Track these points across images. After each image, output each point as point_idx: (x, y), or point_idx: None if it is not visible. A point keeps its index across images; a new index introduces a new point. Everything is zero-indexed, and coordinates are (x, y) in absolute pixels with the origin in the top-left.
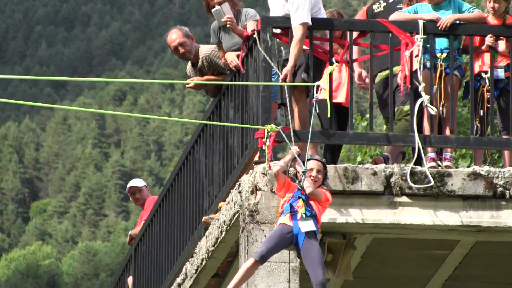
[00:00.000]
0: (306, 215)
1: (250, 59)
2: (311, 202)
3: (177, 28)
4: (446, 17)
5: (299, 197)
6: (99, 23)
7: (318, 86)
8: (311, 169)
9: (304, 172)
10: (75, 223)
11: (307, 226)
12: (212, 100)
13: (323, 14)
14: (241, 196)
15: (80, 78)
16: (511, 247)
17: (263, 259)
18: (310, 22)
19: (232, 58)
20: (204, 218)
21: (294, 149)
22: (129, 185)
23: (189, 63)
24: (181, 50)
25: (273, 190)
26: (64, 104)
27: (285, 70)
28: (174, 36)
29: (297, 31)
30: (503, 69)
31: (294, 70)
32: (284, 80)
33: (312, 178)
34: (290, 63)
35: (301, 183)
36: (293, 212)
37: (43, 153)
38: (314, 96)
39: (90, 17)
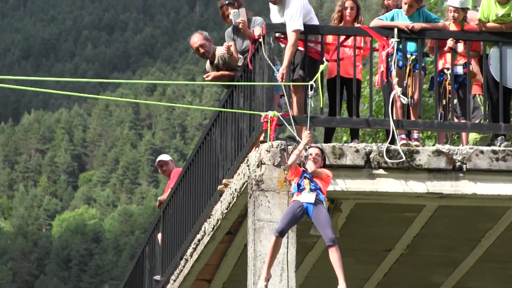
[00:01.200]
0: (311, 189)
1: (257, 57)
2: (315, 179)
3: (198, 32)
4: (417, 24)
5: (305, 177)
6: (134, 29)
7: (311, 85)
8: (311, 154)
9: (306, 157)
10: (115, 190)
11: (308, 198)
12: (226, 91)
13: (315, 21)
14: (249, 169)
15: (93, 80)
16: (467, 211)
17: (282, 234)
18: (302, 29)
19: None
20: (219, 187)
21: (307, 136)
22: (157, 159)
23: (208, 61)
24: (201, 50)
25: (275, 164)
26: (106, 94)
27: (281, 70)
28: (196, 39)
29: (290, 37)
30: (461, 66)
31: (293, 68)
32: (282, 77)
33: (312, 159)
34: (285, 63)
35: (305, 166)
36: (301, 190)
37: (89, 134)
38: (308, 93)
39: (127, 24)
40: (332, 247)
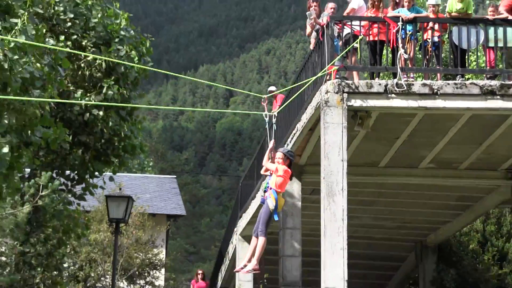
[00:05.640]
0: (264, 190)
1: (324, 35)
2: (270, 183)
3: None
4: (411, 14)
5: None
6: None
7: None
8: (276, 156)
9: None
10: None
11: (258, 198)
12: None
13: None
14: (320, 95)
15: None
16: (441, 116)
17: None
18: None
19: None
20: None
21: (271, 143)
22: (268, 89)
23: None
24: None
25: (335, 92)
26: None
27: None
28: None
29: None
30: (436, 37)
31: (345, 39)
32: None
33: (276, 160)
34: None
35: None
36: (264, 190)
37: None
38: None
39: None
40: (259, 236)
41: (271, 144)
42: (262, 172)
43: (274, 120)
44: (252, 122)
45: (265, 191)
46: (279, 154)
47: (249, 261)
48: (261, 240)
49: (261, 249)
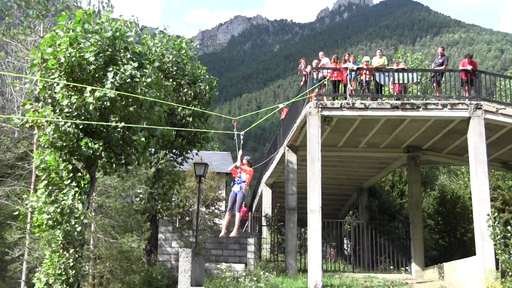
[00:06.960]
0: (238, 183)
1: (308, 79)
2: (242, 178)
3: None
4: (355, 66)
5: (238, 176)
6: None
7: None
8: (244, 161)
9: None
10: None
11: (236, 188)
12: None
13: (329, 65)
14: (306, 109)
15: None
16: (367, 120)
17: (231, 210)
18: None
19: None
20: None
21: (240, 153)
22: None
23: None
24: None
25: (314, 107)
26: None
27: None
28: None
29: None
30: (367, 78)
31: (319, 79)
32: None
33: (245, 163)
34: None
35: (238, 169)
36: (235, 183)
37: None
38: (240, 137)
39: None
40: (238, 212)
41: (240, 153)
42: (229, 169)
43: (241, 137)
44: (271, 124)
45: (238, 183)
46: (245, 161)
47: (227, 229)
48: (238, 215)
49: (239, 221)
